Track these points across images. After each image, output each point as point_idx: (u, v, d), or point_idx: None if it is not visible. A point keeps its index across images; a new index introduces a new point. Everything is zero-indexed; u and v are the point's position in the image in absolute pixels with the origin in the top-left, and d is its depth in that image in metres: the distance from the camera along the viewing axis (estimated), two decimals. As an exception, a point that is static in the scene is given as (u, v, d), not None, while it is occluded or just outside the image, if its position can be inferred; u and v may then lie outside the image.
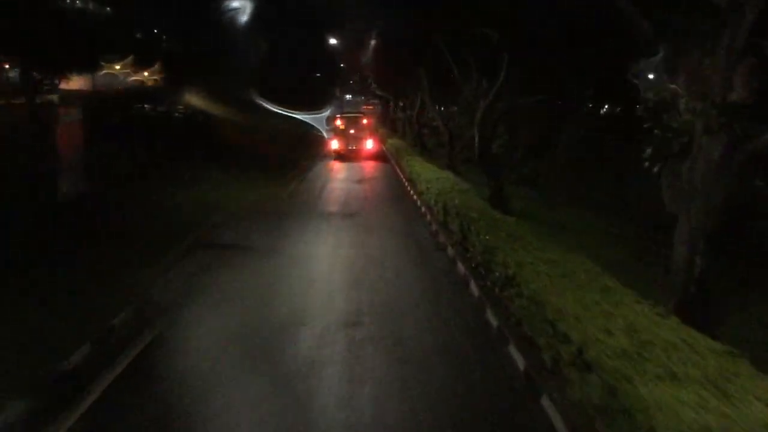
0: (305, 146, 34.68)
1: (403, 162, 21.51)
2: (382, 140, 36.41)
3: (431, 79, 24.61)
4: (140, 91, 33.96)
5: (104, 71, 43.78)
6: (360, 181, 19.78)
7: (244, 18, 44.69)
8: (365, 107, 60.24)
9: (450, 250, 10.12)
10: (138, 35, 42.39)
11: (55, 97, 26.50)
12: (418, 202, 15.17)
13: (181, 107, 30.33)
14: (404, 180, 20.04)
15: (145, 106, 28.14)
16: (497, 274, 7.00)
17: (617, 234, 16.17)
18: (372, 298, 7.67)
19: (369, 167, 24.55)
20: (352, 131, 27.85)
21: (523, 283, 6.13)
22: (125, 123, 22.72)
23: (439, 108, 28.82)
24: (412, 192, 17.04)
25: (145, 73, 43.09)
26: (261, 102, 50.13)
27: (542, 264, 6.43)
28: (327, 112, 48.06)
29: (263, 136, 33.25)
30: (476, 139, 15.87)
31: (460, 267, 9.02)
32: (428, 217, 13.13)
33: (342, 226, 12.32)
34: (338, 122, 28.56)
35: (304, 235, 11.31)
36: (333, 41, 37.79)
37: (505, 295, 6.79)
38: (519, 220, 9.19)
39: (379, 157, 29.31)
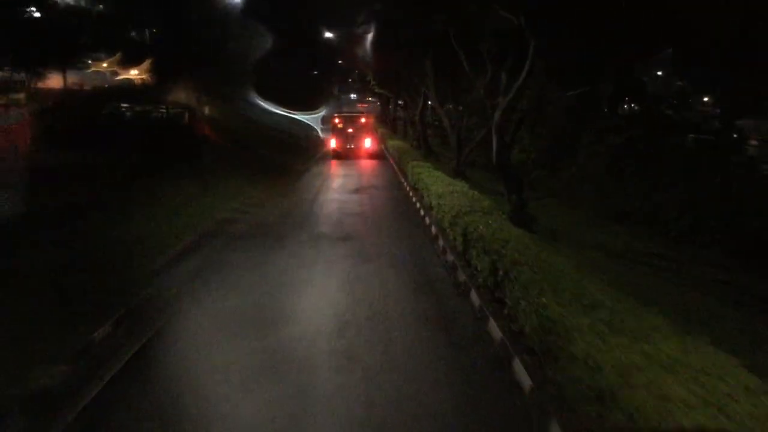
0: (300, 147, 31.93)
1: (407, 168, 18.76)
2: (382, 141, 33.92)
3: (437, 74, 21.86)
4: (122, 89, 31.09)
5: (91, 69, 41.27)
6: (357, 191, 17.02)
7: (238, 15, 41.88)
8: (359, 105, 57.62)
9: (474, 296, 7.39)
10: (133, 33, 39.88)
11: (21, 96, 23.78)
12: (427, 220, 12.43)
13: (164, 106, 27.56)
14: (408, 188, 17.30)
15: (122, 105, 25.42)
16: (575, 373, 4.24)
17: (659, 254, 13.47)
18: (370, 401, 4.93)
19: (368, 173, 21.82)
20: (350, 130, 27.28)
21: (639, 414, 3.38)
22: (92, 125, 20.04)
23: (445, 107, 26.05)
24: (418, 205, 14.30)
25: (135, 71, 40.49)
26: (257, 101, 47.34)
27: (659, 368, 3.71)
28: (323, 112, 45.34)
29: (256, 137, 30.55)
30: (494, 143, 13.11)
31: (495, 329, 6.29)
32: (440, 241, 10.38)
33: (332, 257, 9.57)
34: (336, 121, 27.93)
35: (280, 273, 8.55)
36: (330, 35, 34.97)
37: (591, 412, 4.03)
38: (580, 268, 6.45)
39: (379, 160, 26.79)
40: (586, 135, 19.15)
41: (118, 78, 39.20)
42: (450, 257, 9.31)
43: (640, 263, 11.64)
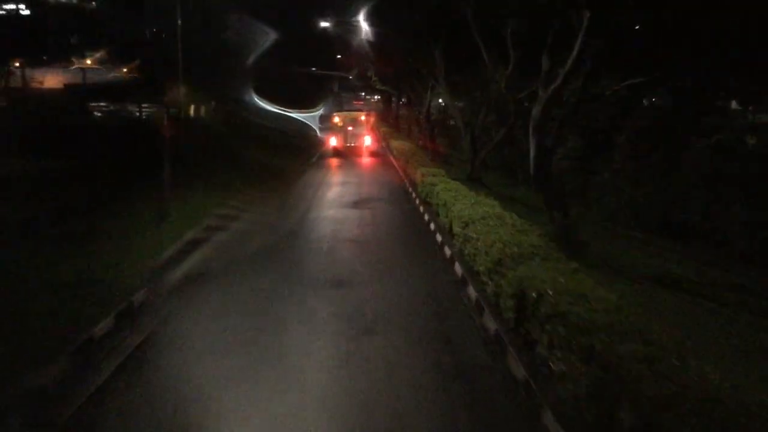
0: (297, 148, 28.69)
1: (416, 175, 15.52)
2: (385, 142, 30.84)
3: (449, 65, 18.58)
4: (104, 87, 27.72)
5: (74, 66, 38.39)
6: (357, 204, 13.75)
7: (233, 11, 38.47)
8: (355, 102, 54.95)
9: (551, 420, 4.14)
10: (127, 32, 36.92)
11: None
12: (446, 250, 9.16)
13: (138, 106, 24.30)
14: (417, 201, 14.06)
15: (96, 104, 22.20)
16: None
17: (749, 289, 10.18)
18: None
19: (369, 180, 18.51)
20: (350, 128, 25.78)
21: None
22: (52, 128, 16.87)
23: (456, 103, 22.73)
24: (432, 226, 11.02)
25: (124, 69, 37.37)
26: (253, 100, 44.02)
27: None
28: (321, 111, 42.08)
29: (249, 138, 27.28)
30: (532, 147, 9.84)
31: None
32: (470, 290, 7.12)
33: (314, 320, 6.30)
34: (336, 119, 26.51)
35: (227, 355, 5.30)
36: (326, 24, 31.67)
37: None
38: None
39: (382, 164, 23.60)
40: (624, 133, 15.79)
41: (110, 76, 36.23)
42: (490, 324, 6.06)
43: (740, 307, 8.35)
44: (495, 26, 14.75)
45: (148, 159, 15.31)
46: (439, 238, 10.00)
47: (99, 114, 21.33)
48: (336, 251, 9.32)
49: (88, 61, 38.57)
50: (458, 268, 8.13)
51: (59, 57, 34.93)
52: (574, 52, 8.95)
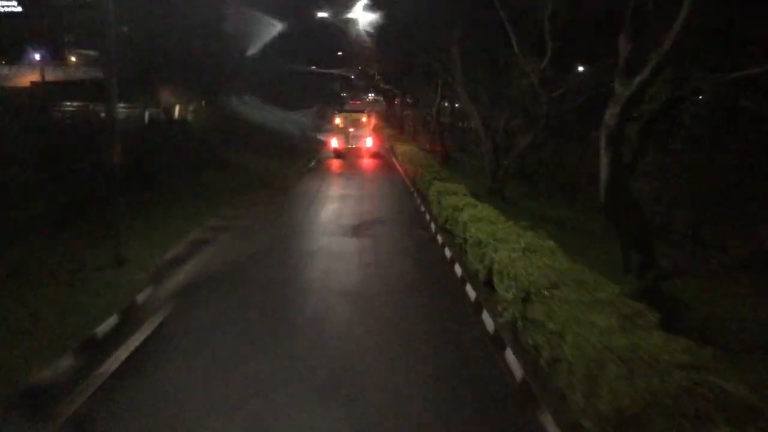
0: (293, 152, 25.59)
1: (429, 190, 12.46)
2: (390, 146, 27.96)
3: (466, 59, 15.48)
4: (71, 86, 24.38)
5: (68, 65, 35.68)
6: (357, 230, 10.63)
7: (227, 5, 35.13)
8: (352, 102, 52.39)
9: None
10: (124, 28, 33.84)
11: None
12: (485, 318, 6.07)
13: (122, 105, 21.22)
14: (432, 225, 10.98)
15: (57, 104, 19.09)
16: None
17: None
18: None
19: (372, 194, 15.34)
20: (351, 130, 24.06)
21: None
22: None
23: (454, 105, 19.66)
24: (458, 271, 7.89)
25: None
26: (248, 99, 40.88)
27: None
28: (317, 111, 39.02)
29: (239, 142, 24.15)
30: (604, 165, 6.75)
31: None
32: (543, 415, 4.05)
33: None
34: (337, 120, 24.80)
35: None
36: (325, 15, 28.57)
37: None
38: None
39: (386, 171, 20.62)
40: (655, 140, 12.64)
41: (93, 73, 33.20)
42: None
43: None
44: (529, 8, 11.74)
45: (111, 169, 12.29)
46: (471, 293, 6.91)
47: (60, 114, 18.24)
48: (325, 316, 6.24)
49: (73, 58, 35.71)
50: (511, 358, 5.05)
51: (50, 55, 32.18)
52: (677, 26, 5.85)
